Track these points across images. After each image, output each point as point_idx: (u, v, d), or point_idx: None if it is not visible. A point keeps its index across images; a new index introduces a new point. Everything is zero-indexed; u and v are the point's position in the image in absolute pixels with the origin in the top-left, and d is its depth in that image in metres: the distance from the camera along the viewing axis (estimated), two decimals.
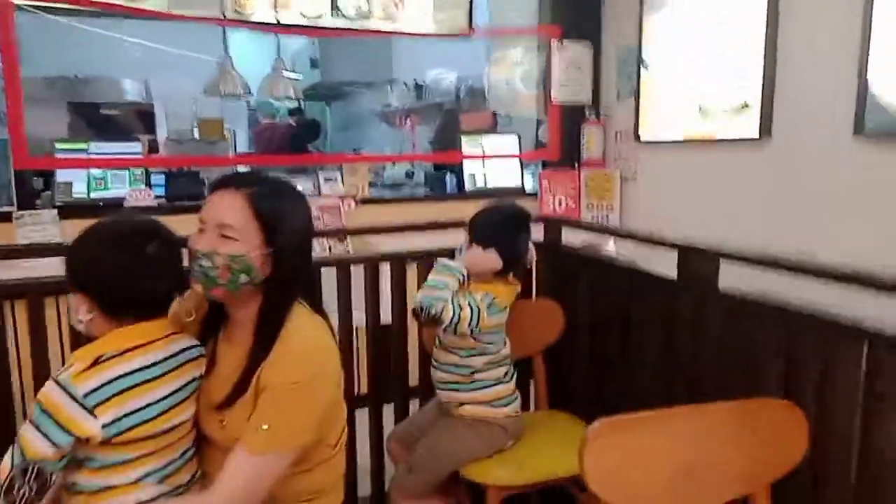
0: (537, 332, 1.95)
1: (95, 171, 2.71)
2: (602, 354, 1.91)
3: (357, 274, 1.97)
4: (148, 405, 1.07)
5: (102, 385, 1.03)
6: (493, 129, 3.62)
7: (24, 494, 0.98)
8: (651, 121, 2.89)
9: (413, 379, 2.07)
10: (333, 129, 7.13)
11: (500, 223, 1.70)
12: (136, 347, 1.09)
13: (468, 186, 3.28)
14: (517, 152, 3.42)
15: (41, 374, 1.64)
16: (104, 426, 1.02)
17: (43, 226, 2.50)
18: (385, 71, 5.56)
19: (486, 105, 3.76)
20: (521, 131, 3.47)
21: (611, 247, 2.29)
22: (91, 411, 1.01)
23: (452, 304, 1.54)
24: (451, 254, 1.72)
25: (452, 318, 1.54)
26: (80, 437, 1.01)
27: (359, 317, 1.98)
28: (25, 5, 2.56)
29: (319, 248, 2.81)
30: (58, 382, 1.02)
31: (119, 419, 1.03)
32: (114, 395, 1.03)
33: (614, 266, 1.86)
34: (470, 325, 1.56)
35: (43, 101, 3.56)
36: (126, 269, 1.08)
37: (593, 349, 1.96)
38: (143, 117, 3.19)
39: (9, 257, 1.76)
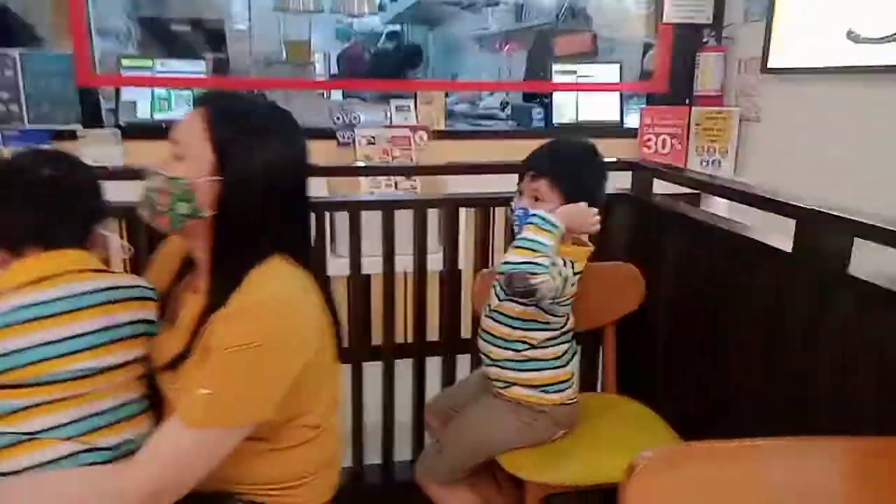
0: (610, 301, 1.63)
1: (161, 91, 2.60)
2: (687, 334, 1.58)
3: (406, 217, 1.75)
4: (44, 343, 0.91)
5: None
6: (592, 54, 3.16)
7: None
8: (786, 48, 2.36)
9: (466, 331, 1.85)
10: (434, 55, 6.80)
11: (588, 169, 1.38)
12: (33, 282, 0.93)
13: (556, 119, 2.90)
14: (619, 82, 2.98)
15: None
16: None
17: (105, 145, 2.43)
18: None
19: (588, 26, 3.30)
20: (624, 58, 3.00)
21: (715, 203, 1.89)
22: None
23: (551, 272, 1.23)
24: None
25: (553, 293, 1.25)
26: None
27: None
28: None
29: (385, 184, 2.59)
30: None
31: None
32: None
33: (714, 228, 1.48)
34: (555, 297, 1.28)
35: (127, 17, 3.48)
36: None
37: (677, 326, 1.62)
38: (213, 36, 3.06)
39: None
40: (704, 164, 2.74)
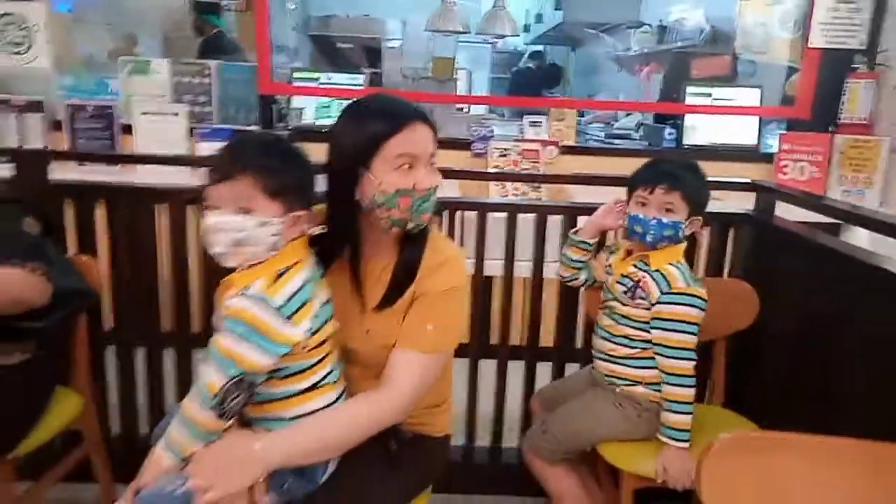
0: (723, 316, 1.68)
1: (323, 99, 2.95)
2: (798, 357, 1.59)
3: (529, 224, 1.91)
4: (321, 308, 1.11)
5: (292, 295, 1.06)
6: (730, 77, 3.14)
7: (235, 405, 1.03)
8: None
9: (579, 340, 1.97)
10: (574, 74, 6.90)
11: (705, 185, 1.52)
12: (298, 261, 1.11)
13: (687, 141, 2.92)
14: (758, 106, 2.94)
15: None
16: (305, 333, 1.06)
17: None
18: (632, 11, 5.14)
19: (730, 48, 3.28)
20: (765, 82, 2.96)
21: (857, 234, 1.85)
22: (289, 320, 1.05)
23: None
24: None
25: None
26: (287, 346, 1.05)
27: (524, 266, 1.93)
28: None
29: (513, 193, 2.76)
30: (252, 297, 1.03)
31: (310, 327, 1.08)
32: (303, 304, 1.07)
33: (839, 255, 1.46)
34: None
35: (302, 35, 3.96)
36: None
37: (788, 348, 1.63)
38: (372, 52, 3.39)
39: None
40: (846, 193, 2.65)
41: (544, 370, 1.99)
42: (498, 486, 2.03)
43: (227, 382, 1.01)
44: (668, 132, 3.00)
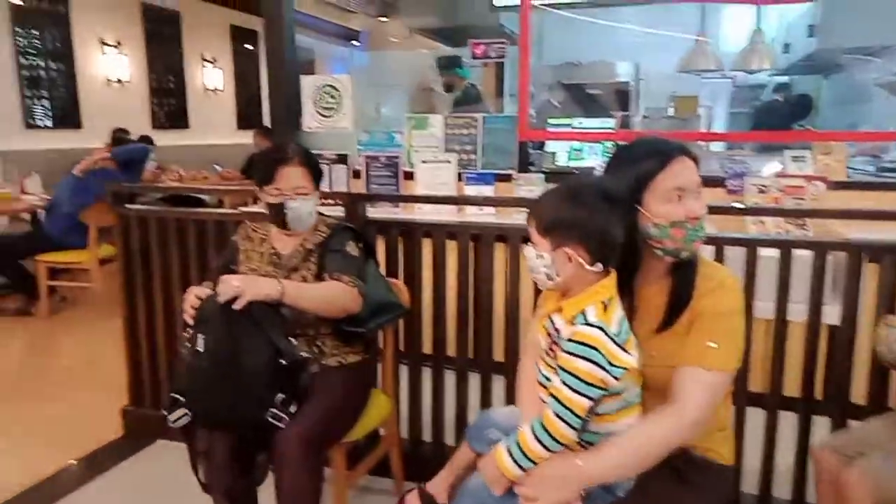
0: None
1: (575, 143, 3.16)
2: None
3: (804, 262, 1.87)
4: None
5: (620, 325, 1.20)
6: None
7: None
8: None
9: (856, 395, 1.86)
10: (827, 104, 6.33)
11: None
12: (615, 295, 1.23)
13: None
14: None
15: (512, 304, 2.11)
16: (635, 359, 1.19)
17: (531, 186, 3.06)
18: None
19: None
20: None
21: None
22: (622, 347, 1.17)
23: None
24: None
25: None
26: (624, 370, 1.16)
27: (797, 309, 1.88)
28: (540, 4, 3.12)
29: (774, 228, 2.67)
30: (594, 324, 1.16)
31: (636, 354, 1.21)
32: (629, 332, 1.22)
33: None
34: None
35: (547, 85, 4.25)
36: (615, 222, 1.19)
37: None
38: (620, 96, 3.52)
39: (506, 206, 2.39)
40: None
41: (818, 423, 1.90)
42: None
43: (591, 403, 1.16)
44: None
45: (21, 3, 5.87)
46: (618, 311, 1.21)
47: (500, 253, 2.16)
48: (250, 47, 9.21)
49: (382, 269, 2.20)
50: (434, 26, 5.69)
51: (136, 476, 2.40)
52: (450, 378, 2.26)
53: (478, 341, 2.19)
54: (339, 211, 2.27)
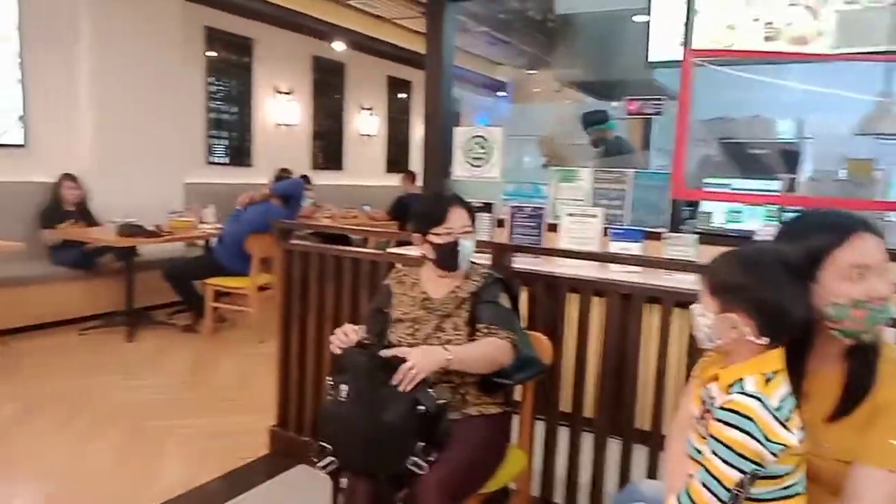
0: None
1: (734, 205, 3.00)
2: None
3: None
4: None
5: (783, 402, 1.12)
6: None
7: (738, 501, 1.10)
8: None
9: None
10: None
11: None
12: (781, 369, 1.15)
13: None
14: None
15: (661, 370, 2.02)
16: (797, 439, 1.10)
17: (684, 247, 2.94)
18: None
19: None
20: None
21: None
22: (783, 423, 1.09)
23: None
24: None
25: None
26: (782, 448, 1.10)
27: None
28: (700, 61, 3.04)
29: None
30: (751, 395, 1.10)
31: (800, 434, 1.12)
32: (791, 410, 1.12)
33: None
34: None
35: (700, 140, 4.10)
36: (795, 298, 1.13)
37: None
38: (787, 156, 3.31)
39: (658, 267, 2.22)
40: None
41: None
42: None
43: (742, 477, 1.09)
44: None
45: (214, 55, 6.69)
46: (782, 388, 1.12)
47: (650, 315, 2.08)
48: (403, 96, 9.77)
49: (523, 321, 2.20)
50: (584, 80, 5.72)
51: (277, 497, 2.53)
52: (587, 440, 2.19)
53: (620, 406, 2.11)
54: (483, 259, 2.30)
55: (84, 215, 4.99)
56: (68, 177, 4.97)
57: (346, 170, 8.75)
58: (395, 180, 7.98)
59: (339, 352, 1.72)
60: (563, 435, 2.23)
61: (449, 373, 1.77)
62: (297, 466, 2.69)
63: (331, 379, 1.72)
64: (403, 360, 1.61)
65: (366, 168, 9.07)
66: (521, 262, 2.55)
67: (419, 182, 6.55)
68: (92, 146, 5.24)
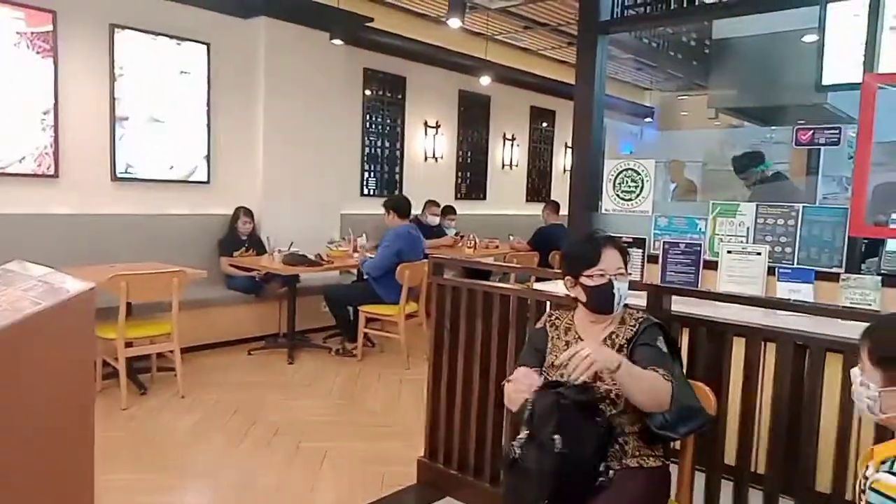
0: None
1: None
2: None
3: None
4: None
5: None
6: None
7: None
8: None
9: None
10: None
11: None
12: None
13: None
14: None
15: (844, 427, 1.83)
16: None
17: (864, 290, 2.65)
18: None
19: None
20: None
21: None
22: None
23: None
24: None
25: None
26: None
27: None
28: (885, 84, 2.75)
29: None
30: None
31: None
32: None
33: None
34: None
35: (880, 165, 3.67)
36: None
37: None
38: None
39: (829, 315, 2.02)
40: None
41: None
42: None
43: None
44: None
45: (370, 93, 7.14)
46: None
47: (830, 364, 1.90)
48: (545, 125, 9.79)
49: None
50: (742, 105, 5.40)
51: None
52: (755, 497, 2.02)
53: (795, 464, 1.93)
54: (637, 300, 2.22)
55: (255, 245, 5.50)
56: (243, 210, 5.51)
57: (488, 200, 8.88)
58: (535, 209, 7.97)
59: (527, 397, 1.67)
60: (727, 489, 2.08)
61: (614, 413, 1.73)
62: (444, 499, 2.74)
63: (528, 431, 1.64)
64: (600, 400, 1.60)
65: (507, 198, 9.15)
66: (677, 304, 2.45)
67: (562, 212, 6.51)
68: (263, 181, 5.77)
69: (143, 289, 3.83)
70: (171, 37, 5.21)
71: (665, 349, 1.81)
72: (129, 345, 3.83)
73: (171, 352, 4.01)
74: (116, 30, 4.91)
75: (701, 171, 5.30)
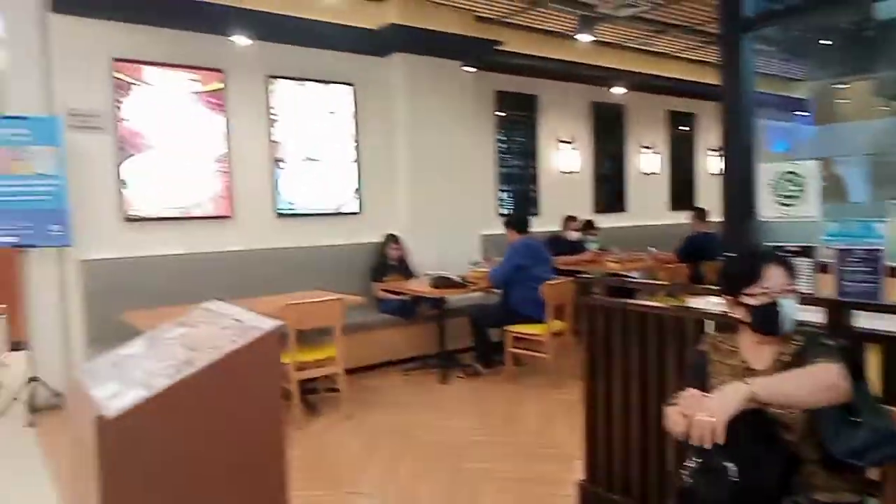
0: None
1: None
2: None
3: None
4: None
5: None
6: None
7: None
8: None
9: None
10: None
11: None
12: None
13: None
14: None
15: None
16: None
17: None
18: None
19: None
20: None
21: None
22: None
23: None
24: None
25: None
26: None
27: None
28: None
29: None
30: None
31: None
32: None
33: None
34: None
35: None
36: None
37: None
38: None
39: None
40: None
41: None
42: None
43: None
44: None
45: (503, 115, 7.25)
46: None
47: None
48: (685, 129, 9.36)
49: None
50: None
51: None
52: None
53: None
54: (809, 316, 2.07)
55: (404, 270, 5.77)
56: (391, 237, 5.81)
57: (629, 211, 8.63)
58: (679, 218, 7.62)
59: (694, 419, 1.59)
60: None
61: (791, 440, 1.62)
62: None
63: (699, 460, 1.57)
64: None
65: (648, 207, 8.84)
66: (859, 318, 2.25)
67: (710, 219, 6.17)
68: (408, 209, 6.06)
69: (310, 316, 4.16)
70: (318, 81, 5.66)
71: (831, 342, 1.67)
72: (299, 369, 4.15)
73: (336, 374, 4.30)
74: (270, 80, 5.43)
75: (868, 166, 4.83)
